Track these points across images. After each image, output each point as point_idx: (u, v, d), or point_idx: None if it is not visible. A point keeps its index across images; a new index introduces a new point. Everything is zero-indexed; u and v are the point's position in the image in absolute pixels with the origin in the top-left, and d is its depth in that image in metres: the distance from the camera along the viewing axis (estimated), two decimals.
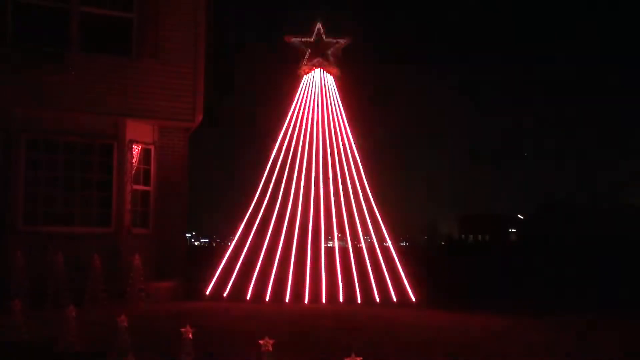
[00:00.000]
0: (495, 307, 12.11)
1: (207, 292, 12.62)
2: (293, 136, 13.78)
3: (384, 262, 12.88)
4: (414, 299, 12.56)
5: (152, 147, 13.03)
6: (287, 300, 12.23)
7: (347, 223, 13.28)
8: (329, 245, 13.33)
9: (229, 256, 12.98)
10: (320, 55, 14.01)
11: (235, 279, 12.70)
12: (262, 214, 13.23)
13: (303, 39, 14.04)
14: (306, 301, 12.22)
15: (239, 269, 12.77)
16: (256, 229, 13.08)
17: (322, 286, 12.47)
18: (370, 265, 12.87)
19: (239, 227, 13.16)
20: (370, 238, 13.31)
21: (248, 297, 12.36)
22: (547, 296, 15.17)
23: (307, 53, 14.05)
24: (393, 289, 12.66)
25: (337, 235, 13.40)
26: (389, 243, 13.23)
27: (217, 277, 12.76)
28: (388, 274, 12.79)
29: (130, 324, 6.24)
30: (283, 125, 13.89)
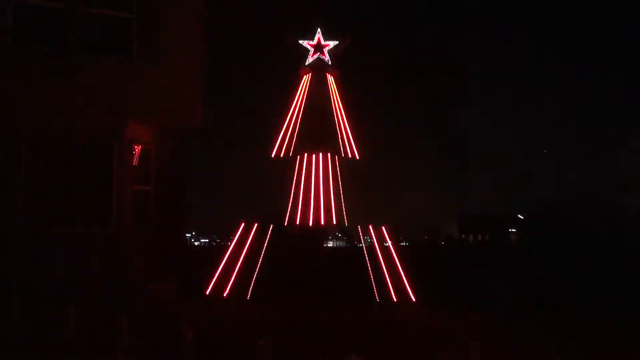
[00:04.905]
0: (494, 307, 12.12)
1: (207, 292, 12.63)
2: (293, 136, 13.80)
3: (384, 262, 12.89)
4: (414, 299, 12.57)
5: (152, 147, 13.02)
6: (287, 299, 12.23)
7: (347, 223, 13.30)
8: (328, 245, 13.34)
9: (228, 256, 13.00)
10: (320, 56, 14.02)
11: (235, 279, 12.70)
12: (262, 214, 13.26)
13: (304, 40, 14.06)
14: (306, 300, 12.21)
15: (239, 269, 12.78)
16: (256, 229, 13.10)
17: (322, 285, 12.48)
18: (370, 266, 12.88)
19: (239, 227, 13.18)
20: (371, 238, 13.33)
21: (248, 297, 12.37)
22: (543, 296, 15.17)
23: (308, 54, 14.06)
24: (393, 289, 12.67)
25: (337, 234, 13.41)
26: (389, 243, 13.25)
27: (217, 277, 12.77)
28: (388, 274, 12.80)
29: (130, 324, 6.24)
30: (283, 126, 13.91)
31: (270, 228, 13.05)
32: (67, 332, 6.81)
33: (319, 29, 13.98)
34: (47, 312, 9.74)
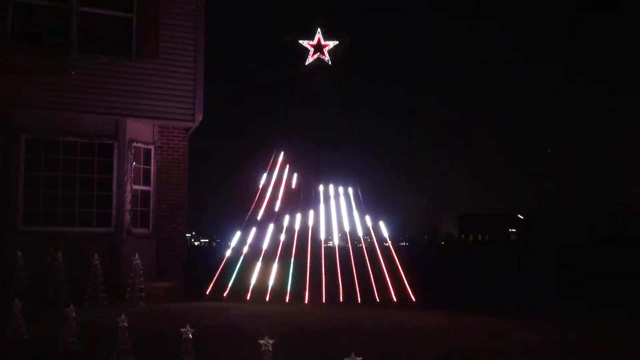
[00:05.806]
0: (494, 308, 12.11)
1: (207, 292, 12.61)
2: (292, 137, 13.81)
3: (384, 262, 12.88)
4: (413, 299, 12.56)
5: (152, 147, 13.03)
6: (287, 300, 12.23)
7: (347, 223, 13.29)
8: (329, 245, 13.33)
9: (229, 256, 12.99)
10: (320, 55, 13.99)
11: (235, 278, 12.69)
12: (262, 214, 13.24)
13: (303, 39, 14.02)
14: (306, 301, 12.21)
15: (239, 268, 12.77)
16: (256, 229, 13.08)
17: (322, 286, 12.47)
18: (370, 266, 12.88)
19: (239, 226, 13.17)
20: (371, 238, 13.32)
21: (248, 297, 12.35)
22: (542, 297, 15.14)
23: (307, 53, 14.04)
24: (393, 289, 12.67)
25: (337, 235, 13.40)
26: (389, 243, 13.24)
27: (217, 277, 12.76)
28: (388, 274, 12.79)
29: (130, 324, 6.24)
30: (282, 126, 13.92)
31: (271, 228, 13.03)
32: (67, 332, 6.80)
33: (318, 27, 13.96)
34: (47, 312, 9.75)
